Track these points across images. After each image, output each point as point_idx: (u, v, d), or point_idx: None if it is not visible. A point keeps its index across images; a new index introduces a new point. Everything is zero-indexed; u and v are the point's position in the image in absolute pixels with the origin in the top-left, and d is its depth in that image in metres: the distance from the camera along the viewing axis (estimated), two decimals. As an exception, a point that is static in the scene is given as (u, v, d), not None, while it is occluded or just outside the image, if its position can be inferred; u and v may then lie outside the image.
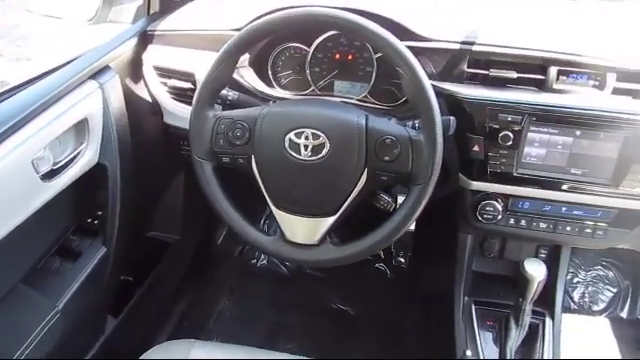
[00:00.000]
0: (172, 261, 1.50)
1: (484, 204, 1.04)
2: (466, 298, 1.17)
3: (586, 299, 1.76)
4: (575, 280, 1.79)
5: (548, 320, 1.14)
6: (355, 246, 0.89)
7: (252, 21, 0.88)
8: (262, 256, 1.91)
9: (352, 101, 1.12)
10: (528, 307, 1.04)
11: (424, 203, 0.85)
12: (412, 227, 1.13)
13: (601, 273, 1.80)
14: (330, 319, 1.70)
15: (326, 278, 1.84)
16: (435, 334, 1.22)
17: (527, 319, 1.05)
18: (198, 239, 1.63)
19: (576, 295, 1.77)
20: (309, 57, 1.13)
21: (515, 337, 1.05)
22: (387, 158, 0.84)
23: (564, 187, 0.98)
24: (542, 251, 1.18)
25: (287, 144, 0.86)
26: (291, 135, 0.85)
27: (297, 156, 0.86)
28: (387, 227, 0.87)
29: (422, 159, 0.83)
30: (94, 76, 1.01)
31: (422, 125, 0.84)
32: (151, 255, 1.44)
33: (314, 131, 0.85)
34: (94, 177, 1.02)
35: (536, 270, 1.00)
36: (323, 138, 0.85)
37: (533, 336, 1.10)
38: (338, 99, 1.12)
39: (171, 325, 1.49)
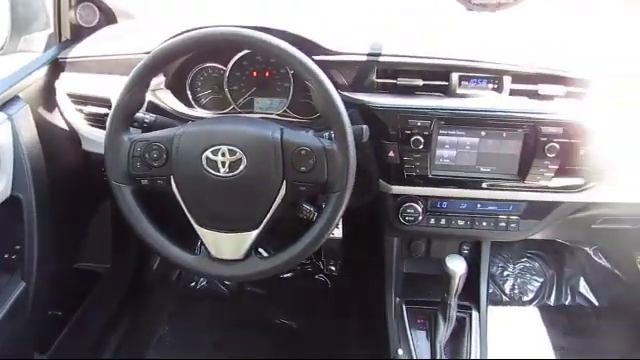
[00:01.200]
0: (104, 291, 1.46)
1: (405, 207, 1.08)
2: (397, 299, 1.21)
3: (516, 291, 1.85)
4: (505, 273, 1.89)
5: (475, 312, 1.19)
6: (280, 257, 0.90)
7: (162, 43, 0.89)
8: (201, 278, 1.89)
9: (272, 116, 1.14)
10: (453, 302, 1.09)
11: (343, 209, 0.88)
12: (340, 235, 1.17)
13: (527, 265, 1.90)
14: (274, 335, 1.70)
15: (267, 294, 1.84)
16: (371, 337, 1.25)
17: (454, 313, 1.10)
18: (131, 266, 1.59)
19: (507, 288, 1.86)
20: (226, 76, 1.14)
21: (444, 332, 1.10)
22: (303, 169, 0.87)
23: (476, 185, 1.04)
24: (465, 247, 1.24)
25: (204, 162, 0.87)
26: (208, 153, 0.86)
27: (215, 173, 0.87)
28: (309, 236, 0.89)
29: (337, 167, 0.86)
30: (2, 107, 0.99)
31: (334, 135, 0.87)
32: (81, 287, 1.39)
33: (230, 147, 0.86)
34: (8, 210, 0.99)
35: (457, 266, 1.05)
36: (240, 154, 0.86)
37: (461, 329, 1.16)
38: (259, 116, 1.14)
39: (108, 356, 1.45)
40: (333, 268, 1.20)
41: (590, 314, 1.79)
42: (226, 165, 0.86)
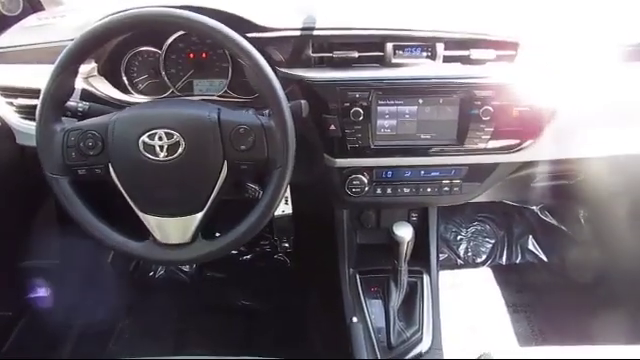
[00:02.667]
0: (56, 288, 1.42)
1: (351, 179, 1.10)
2: (351, 270, 1.23)
3: (469, 253, 1.92)
4: (458, 238, 1.95)
5: (425, 276, 1.23)
6: (227, 237, 0.90)
7: (86, 28, 0.86)
8: (159, 267, 1.87)
9: (213, 98, 1.13)
10: (403, 268, 1.12)
11: (286, 185, 0.88)
12: (289, 211, 1.18)
13: (479, 228, 1.97)
14: (236, 317, 1.71)
15: (227, 277, 1.85)
16: (329, 309, 1.28)
17: (405, 279, 1.13)
18: (82, 261, 1.56)
19: (461, 251, 1.92)
20: (162, 59, 1.12)
21: (396, 297, 1.13)
22: (243, 147, 0.87)
23: (418, 152, 1.06)
24: (413, 215, 1.27)
25: (141, 147, 0.85)
26: (144, 137, 0.85)
27: (154, 158, 0.85)
28: (255, 214, 0.89)
29: (276, 144, 0.86)
30: None
31: (272, 112, 0.87)
32: (30, 286, 1.36)
33: (167, 130, 0.85)
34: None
35: (404, 232, 1.08)
36: (177, 136, 0.85)
37: (413, 293, 1.19)
38: (199, 98, 1.12)
39: (65, 354, 1.42)
40: (287, 245, 1.21)
41: (540, 270, 1.88)
42: (164, 149, 0.85)
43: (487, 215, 1.98)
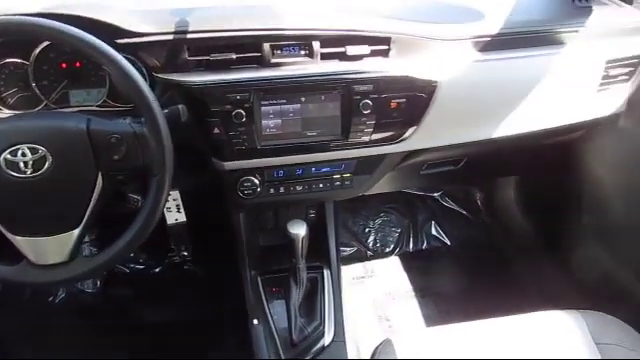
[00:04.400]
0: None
1: (242, 181, 1.09)
2: (253, 272, 1.23)
3: (378, 244, 1.97)
4: (366, 230, 2.00)
5: (326, 271, 1.25)
6: (108, 252, 0.87)
7: None
8: (60, 290, 1.77)
9: (92, 108, 1.08)
10: (302, 264, 1.14)
11: (166, 193, 0.86)
12: (183, 219, 1.16)
13: (385, 219, 2.03)
14: (146, 335, 1.64)
15: (135, 294, 1.78)
16: (236, 313, 1.26)
17: (304, 275, 1.15)
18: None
19: (370, 243, 1.97)
20: (31, 71, 1.06)
21: (296, 295, 1.14)
22: (117, 157, 0.84)
23: (306, 150, 1.08)
24: (311, 211, 1.29)
25: (3, 165, 0.80)
26: (6, 154, 0.80)
27: (19, 175, 0.80)
28: (135, 225, 0.86)
29: (151, 151, 0.84)
30: None
31: (145, 119, 0.85)
32: None
33: (31, 145, 0.80)
34: None
35: (298, 229, 1.09)
36: (43, 151, 0.80)
37: (314, 288, 1.21)
38: (76, 109, 1.07)
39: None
40: (186, 254, 1.19)
41: (444, 254, 1.97)
42: (29, 165, 0.80)
43: (392, 205, 2.05)
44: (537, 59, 1.10)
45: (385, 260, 1.93)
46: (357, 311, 1.70)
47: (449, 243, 1.99)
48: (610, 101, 1.23)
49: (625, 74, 1.20)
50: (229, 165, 1.07)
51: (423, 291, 1.79)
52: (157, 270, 1.82)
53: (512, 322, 1.07)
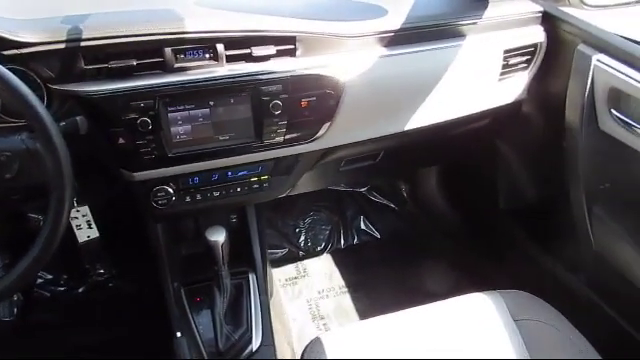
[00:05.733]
0: None
1: (155, 191, 1.06)
2: (175, 284, 1.19)
3: (309, 244, 1.98)
4: (297, 230, 2.00)
5: (251, 275, 1.23)
6: (8, 277, 0.81)
7: None
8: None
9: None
10: (224, 271, 1.11)
11: (67, 210, 0.82)
12: (96, 235, 1.10)
13: (315, 217, 2.04)
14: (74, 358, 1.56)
15: (59, 319, 1.68)
16: (162, 328, 1.22)
17: (227, 282, 1.13)
18: None
19: (301, 243, 1.97)
20: None
21: (221, 303, 1.12)
22: (9, 176, 0.79)
23: (220, 154, 1.06)
24: (232, 216, 1.27)
25: None
26: None
27: None
28: (36, 246, 0.81)
29: (46, 167, 0.79)
30: None
31: (38, 133, 0.80)
32: None
33: None
34: None
35: (216, 235, 1.07)
36: None
37: (240, 294, 1.19)
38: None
39: None
40: (102, 271, 1.13)
41: (375, 247, 2.00)
42: None
43: (321, 204, 2.06)
44: (439, 52, 1.14)
45: (317, 259, 1.93)
46: (291, 312, 1.69)
47: (379, 236, 2.03)
48: (512, 89, 1.29)
49: (523, 62, 1.27)
50: (139, 175, 1.03)
51: (356, 286, 1.81)
52: (80, 290, 1.74)
53: (436, 308, 1.10)
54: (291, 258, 1.92)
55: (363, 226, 2.03)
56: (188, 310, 1.15)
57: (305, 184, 1.33)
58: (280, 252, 1.93)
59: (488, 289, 1.12)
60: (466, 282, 1.72)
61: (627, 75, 1.04)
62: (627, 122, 1.06)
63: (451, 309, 1.09)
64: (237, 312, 1.16)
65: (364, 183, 2.09)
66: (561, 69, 1.20)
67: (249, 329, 1.14)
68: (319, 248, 1.97)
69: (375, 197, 2.13)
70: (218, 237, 1.07)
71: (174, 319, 1.14)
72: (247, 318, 1.16)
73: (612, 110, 1.10)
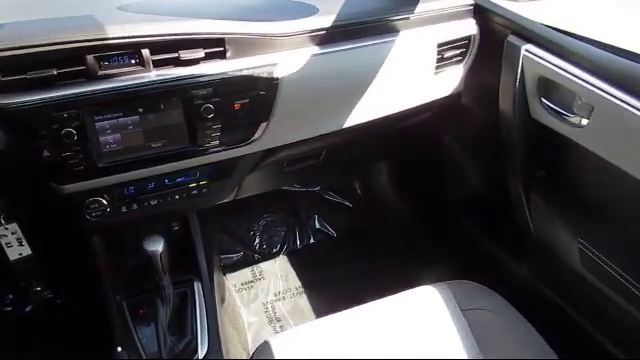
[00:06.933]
0: None
1: (88, 203, 1.03)
2: (118, 297, 1.16)
3: (264, 246, 1.96)
4: (251, 234, 1.98)
5: (197, 283, 1.21)
6: None
7: None
8: None
9: None
10: (166, 281, 1.09)
11: None
12: (28, 252, 1.06)
13: (269, 219, 2.02)
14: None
15: (3, 340, 1.61)
16: (104, 343, 1.19)
17: (169, 292, 1.10)
18: None
19: (256, 246, 1.95)
20: None
21: (164, 313, 1.09)
22: None
23: (154, 162, 1.03)
24: (174, 224, 1.24)
25: None
26: None
27: None
28: None
29: None
30: None
31: None
32: None
33: None
34: None
35: (154, 245, 1.05)
36: None
37: (184, 304, 1.17)
38: None
39: None
40: (39, 289, 1.09)
41: (330, 246, 2.00)
42: None
43: (275, 205, 2.04)
44: (373, 48, 1.14)
45: (273, 261, 1.92)
46: (247, 317, 1.68)
47: (335, 234, 2.03)
48: (448, 82, 1.31)
49: (458, 55, 1.28)
50: (69, 188, 1.00)
51: (313, 286, 1.80)
52: (28, 309, 1.67)
53: (385, 304, 1.10)
54: (246, 262, 1.90)
55: (318, 225, 2.03)
56: (130, 323, 1.12)
57: (251, 187, 1.32)
58: (235, 256, 1.90)
59: (439, 280, 1.13)
60: (419, 275, 1.74)
61: (554, 64, 1.07)
62: (556, 110, 1.09)
63: (400, 304, 1.10)
64: (182, 322, 1.14)
65: (317, 182, 2.08)
66: (494, 60, 1.22)
67: (195, 338, 1.12)
68: (275, 250, 1.95)
69: (330, 196, 2.13)
70: (156, 247, 1.04)
71: (117, 333, 1.10)
72: (192, 327, 1.13)
73: (542, 99, 1.12)
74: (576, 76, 1.01)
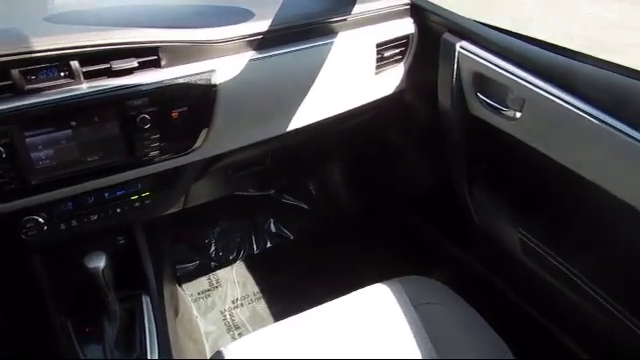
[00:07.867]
0: None
1: (23, 222, 0.99)
2: (62, 316, 1.12)
3: (221, 253, 1.93)
4: (206, 241, 1.95)
5: (145, 297, 1.18)
6: None
7: None
8: None
9: None
10: (111, 297, 1.06)
11: None
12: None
13: (224, 226, 2.00)
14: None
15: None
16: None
17: (116, 308, 1.08)
18: None
19: (212, 254, 1.93)
20: None
21: (111, 330, 1.07)
22: None
23: (92, 176, 1.00)
24: (119, 238, 1.21)
25: None
26: None
27: None
28: None
29: None
30: None
31: None
32: None
33: None
34: None
35: (96, 261, 1.02)
36: None
37: (132, 319, 1.14)
38: None
39: None
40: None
41: (288, 249, 1.98)
42: None
43: (229, 211, 2.02)
44: (311, 51, 1.14)
45: (230, 268, 1.89)
46: (205, 326, 1.65)
47: (292, 237, 2.02)
48: (390, 81, 1.32)
49: (398, 54, 1.30)
50: (2, 208, 0.95)
51: (271, 290, 1.79)
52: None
53: (339, 304, 1.10)
54: (202, 270, 1.87)
55: (274, 229, 2.02)
56: (75, 342, 1.08)
57: (200, 195, 1.30)
58: (191, 265, 1.87)
59: (394, 277, 1.14)
60: (375, 273, 1.75)
61: (487, 60, 1.09)
62: (491, 104, 1.12)
63: (354, 303, 1.10)
64: (130, 337, 1.11)
65: (269, 186, 2.08)
66: (432, 58, 1.24)
67: (144, 353, 1.09)
68: (231, 257, 1.93)
69: (285, 199, 2.12)
70: (97, 263, 1.01)
71: (63, 352, 1.07)
72: (141, 343, 1.11)
73: (478, 94, 1.15)
74: (507, 71, 1.04)
